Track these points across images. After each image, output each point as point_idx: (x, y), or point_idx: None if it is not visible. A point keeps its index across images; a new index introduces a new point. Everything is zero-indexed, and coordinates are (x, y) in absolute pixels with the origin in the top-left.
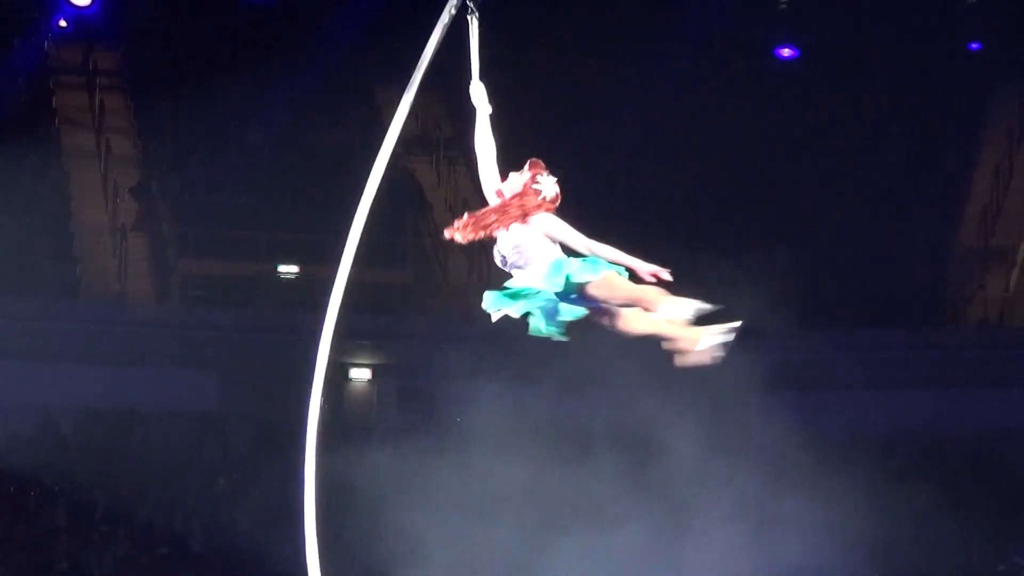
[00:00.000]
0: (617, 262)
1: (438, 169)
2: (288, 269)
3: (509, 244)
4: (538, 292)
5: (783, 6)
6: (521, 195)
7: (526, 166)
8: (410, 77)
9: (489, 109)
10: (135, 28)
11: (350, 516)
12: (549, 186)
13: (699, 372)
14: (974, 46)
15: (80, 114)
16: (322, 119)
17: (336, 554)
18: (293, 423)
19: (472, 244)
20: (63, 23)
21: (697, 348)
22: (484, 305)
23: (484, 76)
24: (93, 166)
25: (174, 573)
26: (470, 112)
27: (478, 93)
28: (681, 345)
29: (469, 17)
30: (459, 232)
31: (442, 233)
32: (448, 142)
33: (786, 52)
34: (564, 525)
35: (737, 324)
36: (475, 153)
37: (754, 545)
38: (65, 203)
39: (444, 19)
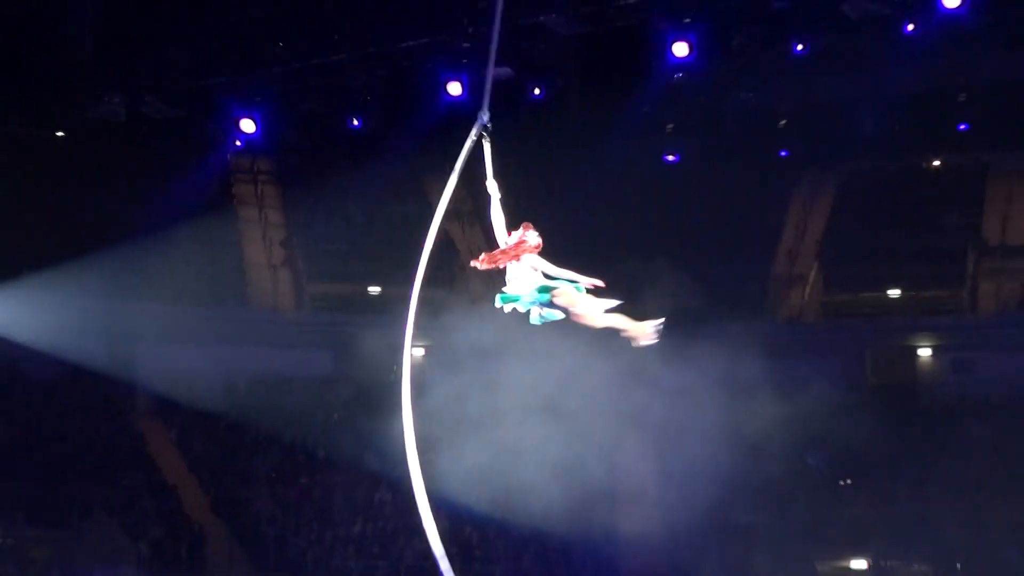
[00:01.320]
0: (571, 278)
1: (463, 229)
2: (374, 289)
3: (513, 271)
4: (530, 299)
5: (670, 129)
6: (517, 244)
7: (520, 226)
8: (447, 176)
9: (499, 195)
10: (282, 146)
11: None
12: (533, 238)
13: (612, 344)
14: (783, 153)
15: (249, 197)
16: (392, 198)
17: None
18: (377, 383)
19: (487, 272)
20: (238, 143)
21: (645, 335)
22: (496, 304)
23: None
24: (256, 228)
25: (306, 472)
26: (484, 196)
27: (492, 187)
28: (632, 335)
29: (484, 141)
30: (481, 264)
31: (468, 265)
32: (468, 214)
33: (671, 157)
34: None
35: (662, 320)
36: (489, 221)
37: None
38: (239, 250)
39: (468, 142)
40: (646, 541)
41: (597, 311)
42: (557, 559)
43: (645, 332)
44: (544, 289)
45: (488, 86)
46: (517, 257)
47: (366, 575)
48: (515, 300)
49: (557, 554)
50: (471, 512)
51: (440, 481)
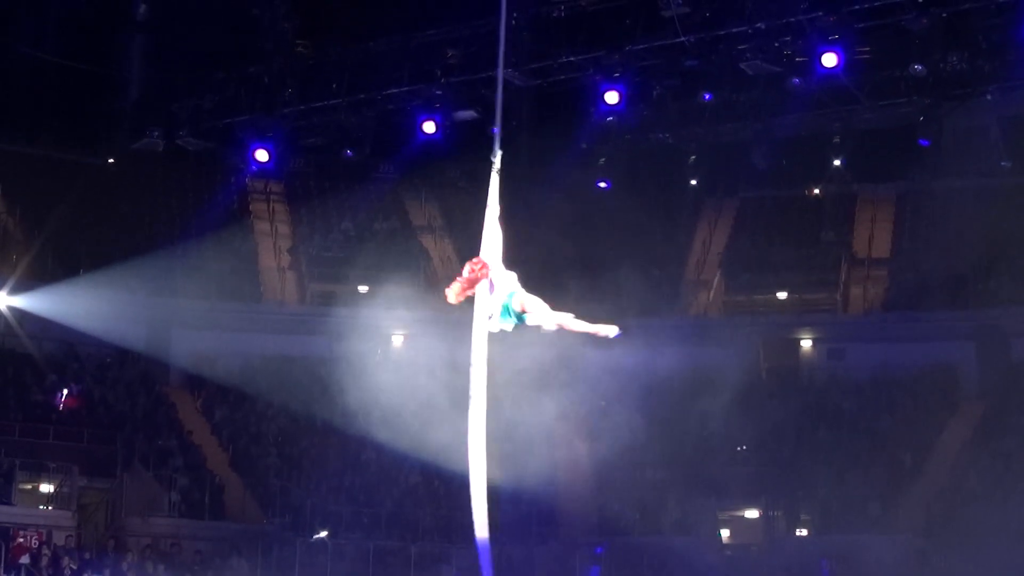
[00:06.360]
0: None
1: (435, 241)
2: (363, 288)
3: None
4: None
5: (602, 162)
6: (473, 279)
7: (473, 263)
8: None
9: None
10: (290, 172)
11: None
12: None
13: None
14: (693, 182)
15: (262, 212)
16: (379, 217)
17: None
18: (364, 363)
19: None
20: (254, 168)
21: (610, 333)
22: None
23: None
24: (268, 239)
25: (306, 435)
26: (455, 214)
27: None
28: (600, 333)
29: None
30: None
31: (435, 268)
32: (439, 229)
33: (603, 184)
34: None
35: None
36: (457, 235)
37: None
38: (254, 255)
39: (493, 179)
40: (579, 492)
41: (562, 319)
42: (506, 507)
43: (610, 331)
44: (506, 307)
45: (497, 131)
46: (475, 283)
47: (353, 519)
48: (504, 317)
49: (507, 503)
50: (438, 469)
51: (414, 443)
